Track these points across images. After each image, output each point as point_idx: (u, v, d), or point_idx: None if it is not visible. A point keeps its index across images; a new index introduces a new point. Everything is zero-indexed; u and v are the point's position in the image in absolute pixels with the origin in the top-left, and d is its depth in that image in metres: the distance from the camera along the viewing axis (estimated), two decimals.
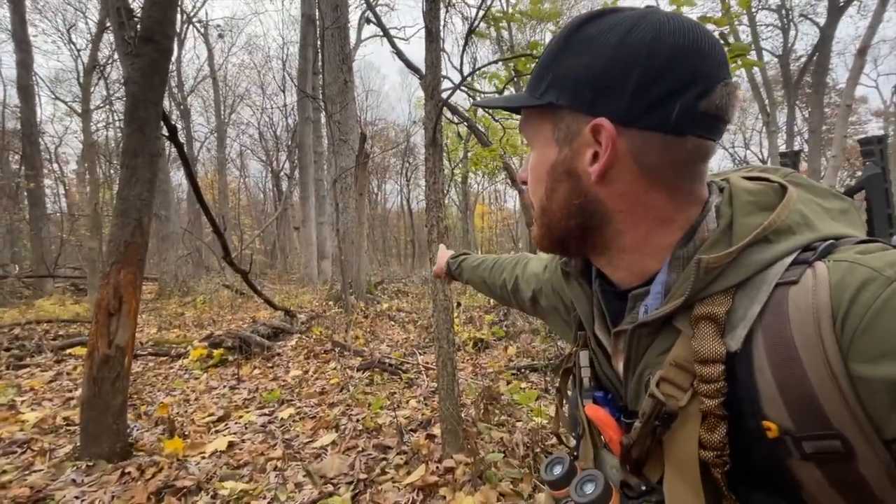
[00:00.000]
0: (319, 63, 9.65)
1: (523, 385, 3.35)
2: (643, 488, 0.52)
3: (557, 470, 0.62)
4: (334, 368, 3.94)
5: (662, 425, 0.47)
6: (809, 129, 14.41)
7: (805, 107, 16.40)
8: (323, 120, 12.56)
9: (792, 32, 15.83)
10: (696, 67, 0.43)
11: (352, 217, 7.15)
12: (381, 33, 4.46)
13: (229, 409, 3.10)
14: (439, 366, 2.24)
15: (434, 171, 2.31)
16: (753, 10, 13.99)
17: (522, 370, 3.74)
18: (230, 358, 4.26)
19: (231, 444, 2.50)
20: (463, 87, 2.48)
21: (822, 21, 13.92)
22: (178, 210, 16.51)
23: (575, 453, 0.64)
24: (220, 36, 18.59)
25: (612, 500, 0.55)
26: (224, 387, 3.62)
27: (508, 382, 3.30)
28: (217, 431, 2.75)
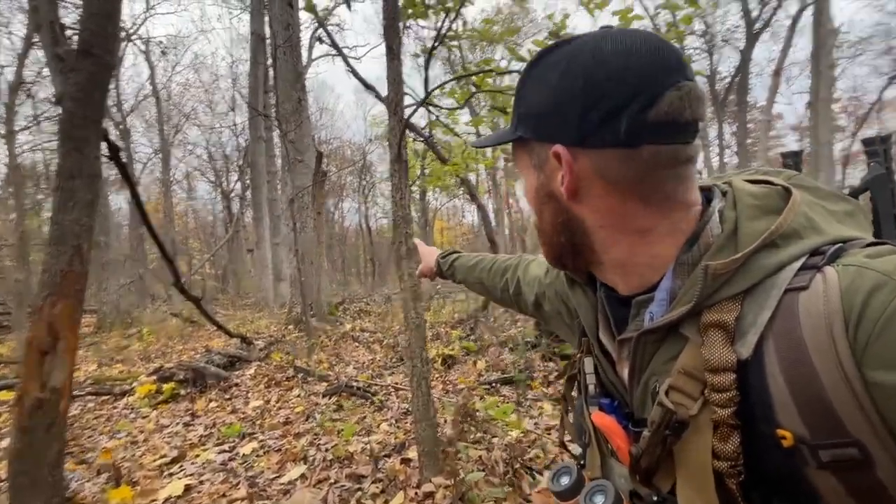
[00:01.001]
0: (271, 82, 9.44)
1: (496, 399, 3.32)
2: (654, 499, 0.51)
3: (565, 480, 0.60)
4: (298, 396, 3.75)
5: (673, 434, 0.45)
6: (737, 143, 15.69)
7: (732, 122, 17.83)
8: (276, 139, 12.24)
9: (716, 56, 17.30)
10: (634, 82, 0.45)
11: (310, 237, 6.95)
12: (334, 52, 4.43)
13: (184, 448, 2.86)
14: (413, 386, 2.17)
15: (400, 187, 2.28)
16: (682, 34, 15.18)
17: (494, 384, 3.71)
18: (182, 392, 3.96)
19: (188, 488, 2.29)
20: (425, 104, 2.48)
21: (741, 46, 15.37)
22: (118, 236, 15.45)
23: (581, 462, 0.63)
24: (164, 53, 17.83)
25: None
26: (177, 424, 3.35)
27: (481, 398, 3.27)
28: (171, 474, 2.52)
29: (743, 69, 15.11)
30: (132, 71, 34.69)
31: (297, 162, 6.71)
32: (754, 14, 14.73)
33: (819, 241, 0.43)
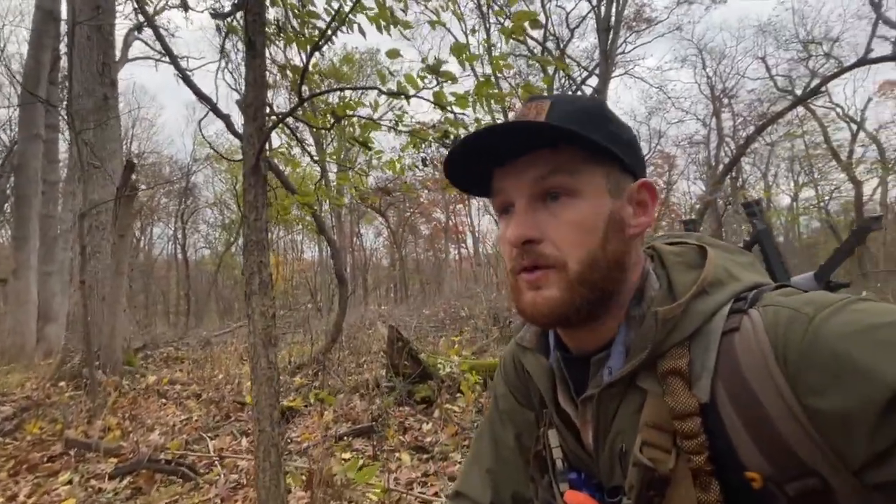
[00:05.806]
0: (64, 71, 7.50)
1: (346, 455, 2.94)
2: None
3: None
4: (69, 483, 2.70)
5: (657, 494, 0.45)
6: None
7: None
8: (62, 143, 9.69)
9: None
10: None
11: (105, 265, 5.47)
12: (157, 56, 3.74)
13: None
14: (259, 456, 1.71)
15: (256, 206, 1.89)
16: None
17: (345, 437, 3.30)
18: None
19: None
20: (295, 116, 2.18)
21: None
22: None
23: None
24: None
25: None
26: None
27: (334, 455, 2.84)
28: None
29: None
30: None
31: (95, 169, 5.33)
32: None
33: (739, 287, 0.49)
